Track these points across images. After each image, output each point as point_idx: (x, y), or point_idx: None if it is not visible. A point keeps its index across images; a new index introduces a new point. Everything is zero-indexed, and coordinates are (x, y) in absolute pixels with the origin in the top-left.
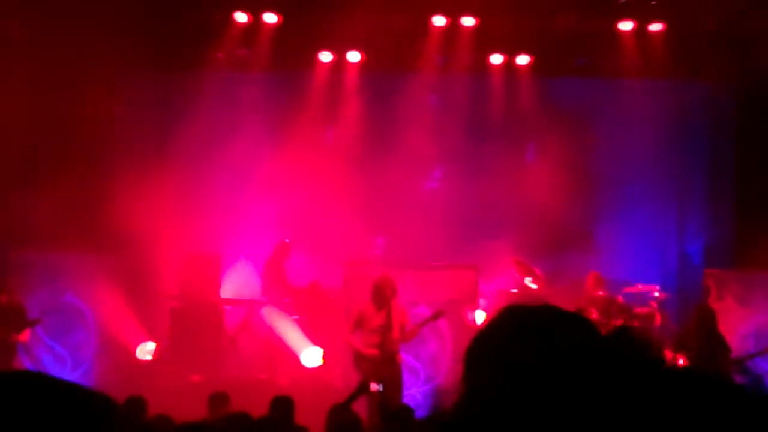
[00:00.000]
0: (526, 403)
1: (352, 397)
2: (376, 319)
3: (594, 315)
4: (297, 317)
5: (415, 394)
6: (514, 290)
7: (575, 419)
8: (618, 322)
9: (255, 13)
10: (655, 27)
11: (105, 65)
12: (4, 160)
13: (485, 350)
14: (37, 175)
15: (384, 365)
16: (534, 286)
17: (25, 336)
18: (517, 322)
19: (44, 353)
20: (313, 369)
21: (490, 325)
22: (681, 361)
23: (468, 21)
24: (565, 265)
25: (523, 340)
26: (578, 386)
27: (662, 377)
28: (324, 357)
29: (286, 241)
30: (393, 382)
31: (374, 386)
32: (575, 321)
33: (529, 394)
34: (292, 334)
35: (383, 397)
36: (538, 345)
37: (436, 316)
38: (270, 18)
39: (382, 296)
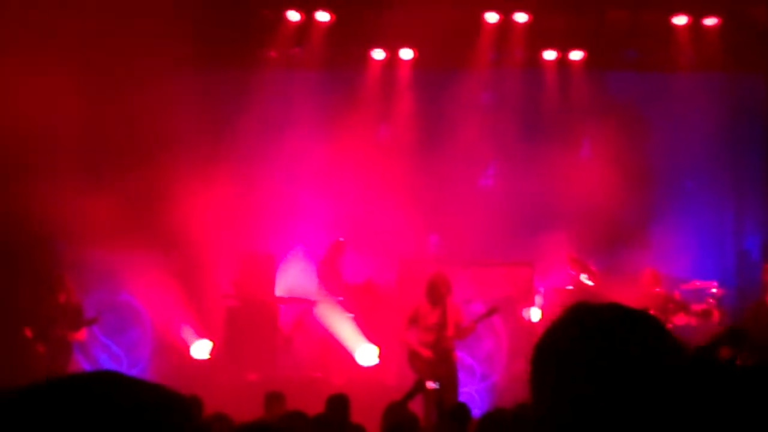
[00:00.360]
0: (596, 405)
1: (409, 396)
2: (431, 317)
3: (651, 312)
4: (352, 315)
5: (471, 391)
6: (570, 287)
7: (647, 421)
8: (676, 319)
9: (307, 12)
10: (710, 21)
11: (159, 64)
12: (61, 159)
13: (552, 351)
14: (93, 174)
15: (439, 363)
16: (589, 283)
17: (81, 335)
18: (584, 322)
19: (100, 352)
20: (369, 367)
21: (556, 325)
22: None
23: (521, 17)
24: (620, 262)
25: (590, 339)
26: (650, 388)
27: (737, 378)
28: (379, 355)
29: (341, 239)
30: (448, 379)
31: (430, 384)
32: (642, 320)
33: (598, 396)
34: (348, 332)
35: (439, 395)
36: (606, 345)
37: (490, 312)
38: (322, 16)
39: (436, 294)
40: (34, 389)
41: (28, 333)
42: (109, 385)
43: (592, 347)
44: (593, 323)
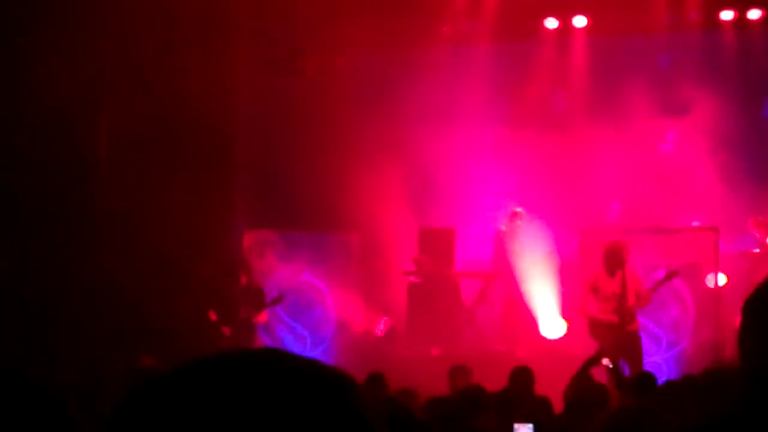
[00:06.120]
0: None
1: (585, 368)
2: (610, 286)
3: None
4: (538, 287)
5: (657, 360)
6: (756, 250)
7: None
8: None
9: None
10: None
11: (326, 42)
12: (245, 141)
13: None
14: (272, 156)
15: (621, 332)
16: None
17: (264, 316)
18: None
19: (285, 333)
20: (554, 339)
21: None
22: None
23: None
24: None
25: None
26: None
27: None
28: (567, 328)
29: (518, 210)
30: (631, 349)
31: (605, 361)
32: None
33: None
34: (535, 304)
35: (615, 367)
36: None
37: (669, 276)
38: None
39: (614, 262)
40: (192, 364)
41: (213, 316)
42: (269, 361)
43: None
44: None
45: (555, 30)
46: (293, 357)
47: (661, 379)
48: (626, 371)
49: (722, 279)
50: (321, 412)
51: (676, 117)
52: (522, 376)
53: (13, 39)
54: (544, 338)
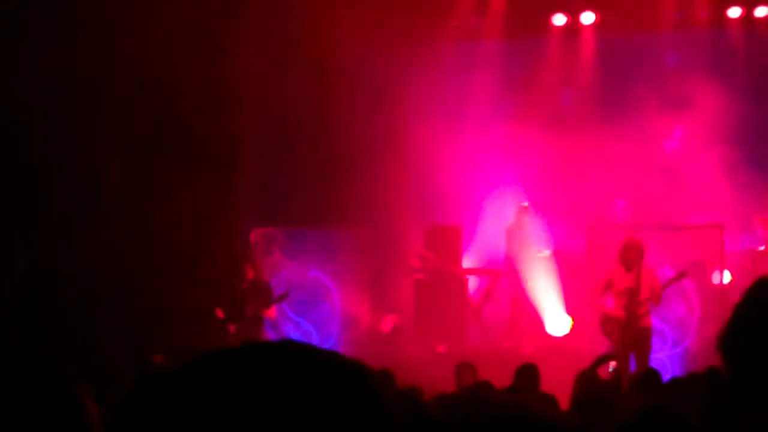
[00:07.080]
0: None
1: (595, 365)
2: (624, 282)
3: None
4: (543, 283)
5: (663, 357)
6: (762, 248)
7: None
8: None
9: None
10: None
11: (333, 38)
12: (251, 138)
13: (748, 321)
14: (278, 152)
15: (631, 328)
16: None
17: (271, 312)
18: None
19: (291, 329)
20: (560, 336)
21: (754, 293)
22: None
23: None
24: None
25: None
26: None
27: None
28: (572, 325)
29: (524, 204)
30: (640, 345)
31: (612, 363)
32: None
33: None
34: (540, 300)
35: (618, 367)
36: None
37: (679, 276)
38: None
39: (630, 258)
40: (210, 356)
41: (220, 314)
42: (291, 352)
43: None
44: None
45: (563, 26)
46: (311, 348)
47: (666, 376)
48: (631, 370)
49: (727, 276)
50: (340, 399)
51: (682, 114)
52: (528, 374)
53: (17, 38)
54: (549, 335)
